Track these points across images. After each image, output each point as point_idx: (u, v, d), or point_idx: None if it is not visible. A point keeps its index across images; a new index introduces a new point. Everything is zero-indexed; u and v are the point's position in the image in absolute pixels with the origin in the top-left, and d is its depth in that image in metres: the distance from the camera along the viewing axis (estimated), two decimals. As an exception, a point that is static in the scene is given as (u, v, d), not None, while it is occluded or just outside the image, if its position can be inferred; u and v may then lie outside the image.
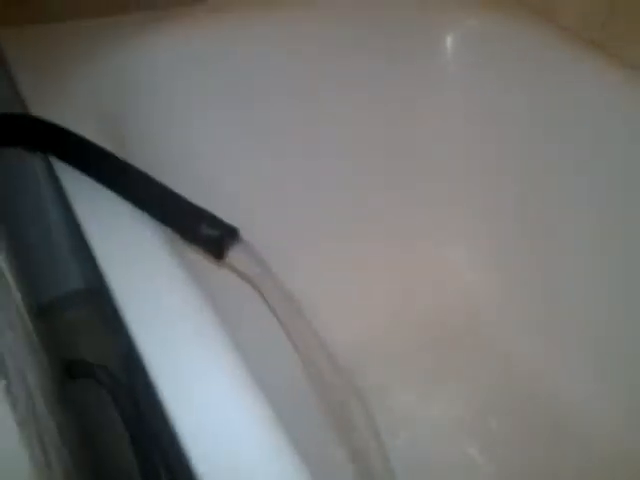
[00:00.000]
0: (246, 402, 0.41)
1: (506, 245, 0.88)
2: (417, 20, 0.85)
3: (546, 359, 0.82)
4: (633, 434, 0.73)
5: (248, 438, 0.39)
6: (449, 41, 0.85)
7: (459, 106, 0.88)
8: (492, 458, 0.75)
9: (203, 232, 0.51)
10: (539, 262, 0.83)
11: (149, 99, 0.75)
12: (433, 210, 0.93)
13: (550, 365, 0.81)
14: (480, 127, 0.87)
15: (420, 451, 0.76)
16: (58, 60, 0.70)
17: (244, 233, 0.54)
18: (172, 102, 0.77)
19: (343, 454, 0.72)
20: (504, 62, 0.83)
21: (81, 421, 0.71)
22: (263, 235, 0.73)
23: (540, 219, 0.82)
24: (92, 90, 0.68)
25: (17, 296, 0.48)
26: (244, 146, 0.81)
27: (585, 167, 0.76)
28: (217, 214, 0.53)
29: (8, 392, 0.25)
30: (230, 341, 0.46)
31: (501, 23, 0.83)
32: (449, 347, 0.86)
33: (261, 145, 0.82)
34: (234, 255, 0.52)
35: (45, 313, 0.86)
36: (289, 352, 0.64)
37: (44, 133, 0.56)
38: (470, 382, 0.82)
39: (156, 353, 0.43)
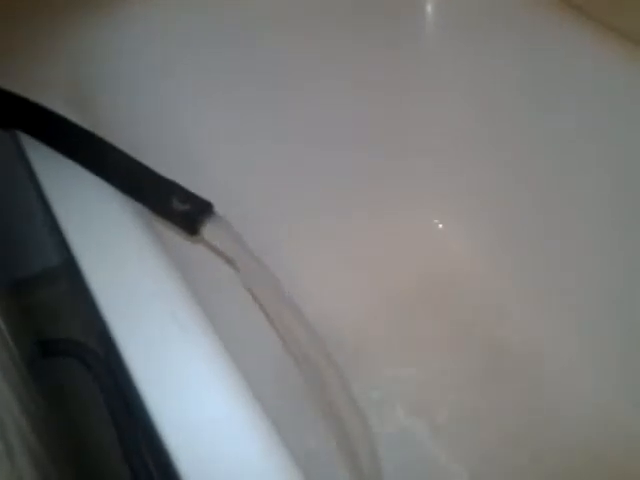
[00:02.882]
0: (224, 386, 0.40)
1: (501, 218, 0.87)
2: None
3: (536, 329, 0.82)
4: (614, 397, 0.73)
5: (228, 425, 0.38)
6: (429, 9, 0.82)
7: (446, 77, 0.85)
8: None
9: (175, 207, 0.49)
10: (535, 234, 0.82)
11: (124, 71, 0.72)
12: (423, 183, 0.92)
13: (537, 333, 0.81)
14: (468, 96, 0.85)
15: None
16: (25, 31, 0.67)
17: (226, 208, 0.53)
18: (151, 73, 0.74)
19: (327, 436, 0.72)
20: (488, 29, 0.80)
21: (61, 400, 0.70)
22: (244, 209, 0.72)
23: (536, 190, 0.81)
24: (63, 60, 0.65)
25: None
26: (226, 124, 0.79)
27: (580, 135, 0.74)
28: (195, 188, 0.51)
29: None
30: (207, 320, 0.45)
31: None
32: (438, 317, 0.85)
33: (244, 123, 0.80)
34: (209, 231, 0.50)
35: (22, 290, 0.85)
36: (269, 330, 0.63)
37: (8, 106, 0.53)
38: (459, 352, 0.82)
39: (129, 336, 0.42)
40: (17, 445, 0.31)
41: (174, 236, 0.56)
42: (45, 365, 0.74)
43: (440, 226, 0.93)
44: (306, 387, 0.69)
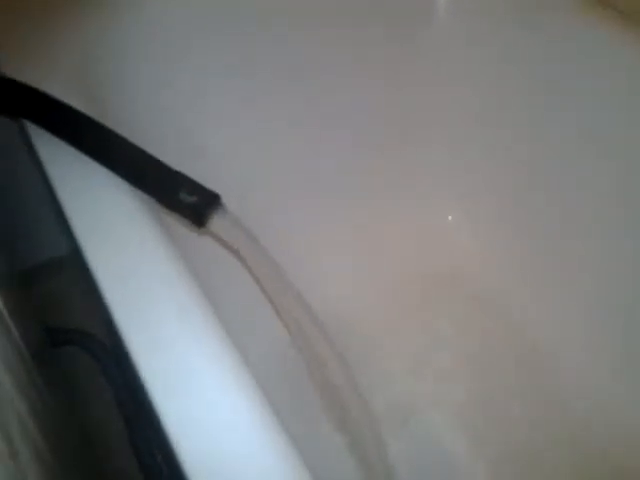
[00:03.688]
0: (230, 379, 0.40)
1: (506, 209, 0.87)
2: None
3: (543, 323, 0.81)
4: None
5: (233, 418, 0.38)
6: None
7: (462, 69, 0.84)
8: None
9: (183, 199, 0.49)
10: (547, 231, 0.82)
11: (134, 57, 0.71)
12: (437, 177, 0.91)
13: (543, 327, 0.81)
14: (482, 89, 0.84)
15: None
16: (34, 21, 0.66)
17: (234, 199, 0.52)
18: (158, 59, 0.73)
19: (332, 426, 0.72)
20: (503, 20, 0.79)
21: (68, 391, 0.70)
22: (253, 201, 0.71)
23: (550, 188, 0.80)
24: (70, 48, 0.65)
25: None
26: (234, 111, 0.78)
27: (597, 132, 0.73)
28: (202, 180, 0.51)
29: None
30: (213, 312, 0.44)
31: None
32: (445, 309, 0.85)
33: (254, 109, 0.79)
34: (216, 222, 0.50)
35: (29, 279, 0.85)
36: (275, 321, 0.63)
37: (15, 95, 0.53)
38: (467, 344, 0.82)
39: (134, 327, 0.42)
40: (21, 443, 0.31)
41: (180, 227, 0.56)
42: (53, 354, 0.74)
43: (450, 218, 0.92)
44: (310, 377, 0.69)
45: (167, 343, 0.41)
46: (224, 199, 0.51)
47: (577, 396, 0.75)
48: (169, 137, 0.71)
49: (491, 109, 0.84)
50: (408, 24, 0.82)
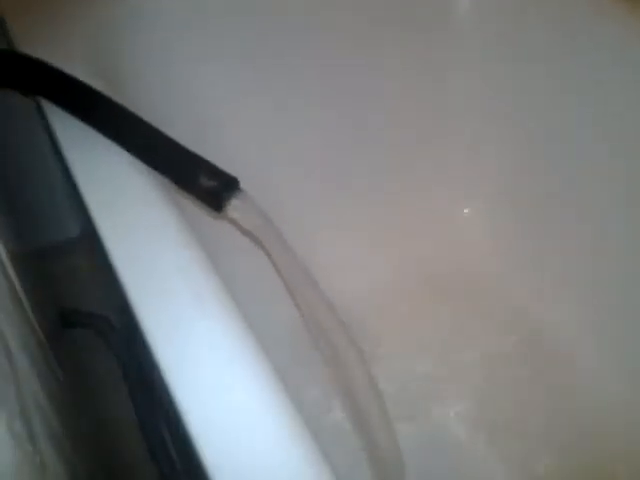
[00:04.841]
0: (249, 369, 0.39)
1: (521, 204, 0.85)
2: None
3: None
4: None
5: (250, 407, 0.37)
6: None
7: (474, 61, 0.83)
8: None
9: (201, 183, 0.48)
10: (564, 229, 0.80)
11: (148, 37, 0.71)
12: (454, 169, 0.89)
13: (555, 323, 0.80)
14: (502, 86, 0.82)
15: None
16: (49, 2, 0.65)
17: (250, 184, 0.51)
18: (172, 43, 0.72)
19: (345, 415, 0.72)
20: (525, 16, 0.77)
21: (80, 374, 0.69)
22: (269, 187, 0.70)
23: (566, 184, 0.79)
24: (86, 28, 0.64)
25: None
26: (251, 92, 0.77)
27: (620, 130, 0.71)
28: (219, 163, 0.50)
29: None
30: (229, 296, 0.44)
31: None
32: (457, 302, 0.84)
33: (271, 93, 0.78)
34: (234, 207, 0.49)
35: (44, 259, 0.84)
36: (291, 308, 0.62)
37: (31, 72, 0.52)
38: (479, 339, 0.81)
39: (150, 311, 0.41)
40: (39, 426, 0.30)
41: (198, 210, 0.55)
42: (66, 335, 0.74)
43: (466, 211, 0.91)
44: (323, 361, 0.68)
45: (183, 327, 0.41)
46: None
47: (592, 396, 0.74)
48: (185, 121, 0.70)
49: (507, 107, 0.83)
50: (426, 23, 0.81)
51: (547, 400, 0.75)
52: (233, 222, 0.52)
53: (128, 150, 0.50)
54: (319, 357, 0.67)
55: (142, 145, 0.49)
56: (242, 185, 0.50)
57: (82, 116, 0.51)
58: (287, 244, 0.53)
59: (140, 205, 0.48)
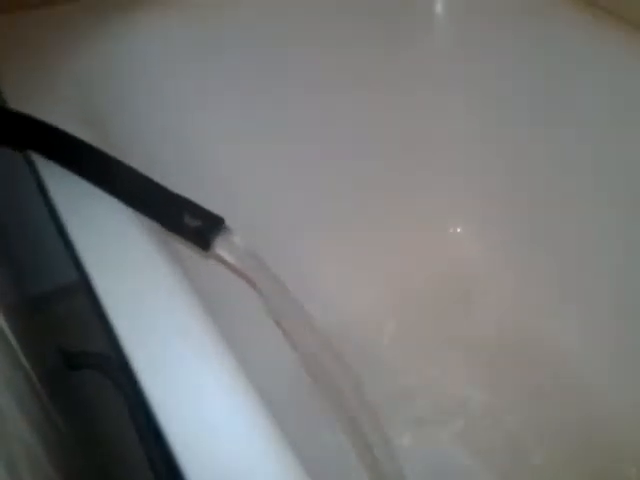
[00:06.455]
0: (239, 403, 0.40)
1: (510, 221, 0.87)
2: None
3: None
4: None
5: (243, 442, 0.38)
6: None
7: (460, 80, 0.85)
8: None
9: (187, 223, 0.49)
10: (544, 236, 0.82)
11: (135, 84, 0.73)
12: (435, 189, 0.91)
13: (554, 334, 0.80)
14: (482, 100, 0.84)
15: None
16: (34, 50, 0.67)
17: (239, 220, 0.52)
18: (159, 86, 0.74)
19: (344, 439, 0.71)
20: (500, 27, 0.80)
21: (86, 418, 0.69)
22: (258, 222, 0.71)
23: (554, 196, 0.80)
24: (73, 78, 0.66)
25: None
26: (238, 129, 0.79)
27: (601, 137, 0.73)
28: (207, 203, 0.51)
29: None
30: (220, 336, 0.44)
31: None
32: (455, 318, 0.85)
33: (258, 129, 0.80)
34: (220, 245, 0.50)
35: (38, 307, 0.85)
36: (286, 346, 0.62)
37: (19, 128, 0.54)
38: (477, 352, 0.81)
39: (141, 351, 0.42)
40: (27, 475, 0.30)
41: (187, 250, 0.56)
42: (71, 378, 0.73)
43: (459, 230, 0.92)
44: (322, 397, 0.68)
45: (173, 366, 0.41)
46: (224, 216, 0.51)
47: (601, 403, 0.75)
48: (170, 160, 0.72)
49: (493, 113, 0.84)
50: (407, 29, 0.83)
51: (555, 410, 0.75)
52: (221, 260, 0.52)
53: (114, 195, 0.51)
54: (312, 389, 0.67)
55: (127, 191, 0.51)
56: (231, 221, 0.51)
57: (68, 165, 0.53)
58: (276, 279, 0.53)
59: (129, 248, 0.49)
